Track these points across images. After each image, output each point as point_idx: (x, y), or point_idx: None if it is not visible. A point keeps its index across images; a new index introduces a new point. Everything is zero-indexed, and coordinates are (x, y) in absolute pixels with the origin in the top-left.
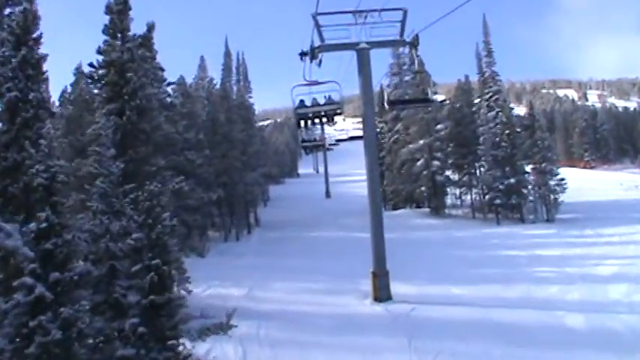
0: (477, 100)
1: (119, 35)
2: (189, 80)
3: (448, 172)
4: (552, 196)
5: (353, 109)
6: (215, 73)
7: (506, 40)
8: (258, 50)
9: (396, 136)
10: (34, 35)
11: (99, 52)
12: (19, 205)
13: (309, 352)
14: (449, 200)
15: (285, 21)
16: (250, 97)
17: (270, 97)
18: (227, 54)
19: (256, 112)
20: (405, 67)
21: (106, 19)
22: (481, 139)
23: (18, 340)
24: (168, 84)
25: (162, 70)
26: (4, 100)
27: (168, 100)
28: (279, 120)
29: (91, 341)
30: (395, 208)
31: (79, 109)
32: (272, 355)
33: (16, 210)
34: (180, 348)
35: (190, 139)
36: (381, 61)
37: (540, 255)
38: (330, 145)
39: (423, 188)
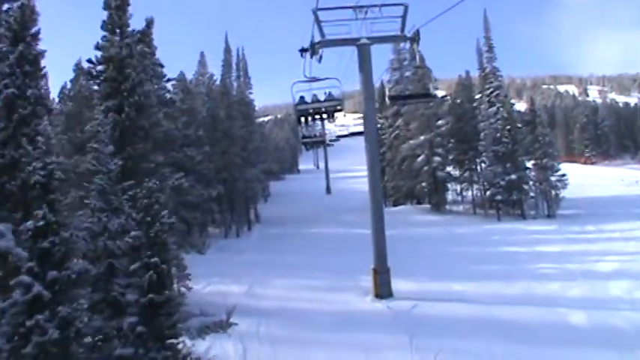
0: (477, 96)
1: (118, 31)
2: (189, 76)
3: (449, 168)
4: (553, 192)
5: (353, 104)
6: (215, 69)
7: (507, 36)
8: (258, 46)
9: (396, 132)
10: (32, 31)
11: (97, 48)
12: (16, 203)
13: (309, 349)
14: (450, 196)
15: (286, 16)
16: (250, 93)
17: (271, 93)
18: (227, 50)
19: (256, 108)
20: (405, 63)
21: (105, 14)
22: (482, 134)
23: (15, 339)
24: (168, 80)
25: (162, 66)
26: (1, 96)
27: (168, 96)
28: (279, 116)
29: (89, 340)
30: (395, 204)
31: (78, 106)
32: (272, 353)
33: (14, 208)
34: (180, 346)
35: (190, 136)
36: (381, 57)
37: (541, 251)
38: (330, 140)
39: (423, 184)
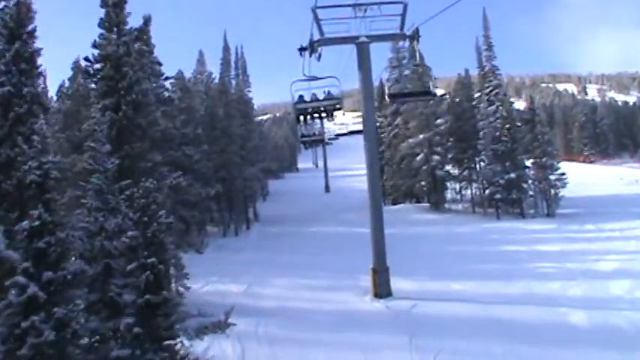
0: (476, 95)
1: (115, 29)
2: (187, 75)
3: (448, 167)
4: (552, 191)
5: (352, 103)
6: (214, 68)
7: (506, 34)
8: (257, 44)
9: (395, 131)
10: (28, 29)
11: (94, 45)
12: (12, 203)
13: (308, 349)
14: (449, 195)
15: (284, 15)
16: (249, 92)
17: (269, 92)
18: (226, 48)
19: (255, 107)
20: (404, 61)
21: (102, 12)
22: (481, 133)
23: (10, 341)
24: (166, 78)
25: (160, 64)
26: None
27: (166, 94)
28: (278, 114)
29: (85, 341)
30: (394, 203)
31: (76, 104)
32: (271, 353)
33: (10, 207)
34: (178, 346)
35: (188, 134)
36: (380, 55)
37: (541, 250)
38: (329, 139)
39: (422, 183)
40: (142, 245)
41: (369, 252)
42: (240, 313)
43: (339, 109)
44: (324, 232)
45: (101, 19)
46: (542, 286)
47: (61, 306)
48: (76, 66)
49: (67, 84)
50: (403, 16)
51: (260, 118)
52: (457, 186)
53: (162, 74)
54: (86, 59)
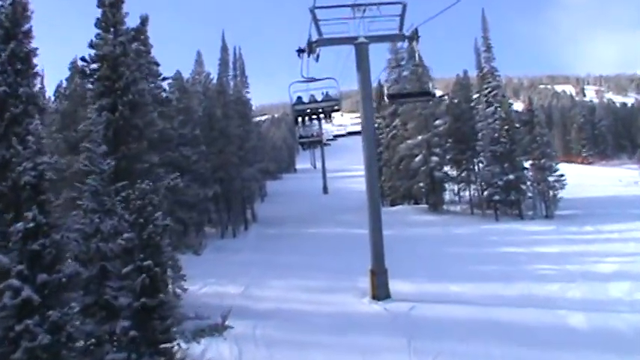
0: (475, 96)
1: (112, 29)
2: (186, 75)
3: (446, 168)
4: (551, 192)
5: (351, 104)
6: (212, 68)
7: (504, 35)
8: (255, 45)
9: (394, 132)
10: (24, 28)
11: (91, 45)
12: (7, 204)
13: (306, 352)
14: (447, 196)
15: (283, 15)
16: (247, 92)
17: (268, 93)
18: (224, 49)
19: (253, 108)
20: (403, 62)
21: (99, 12)
22: (480, 134)
23: (4, 344)
24: (164, 79)
25: (157, 64)
26: None
27: (164, 95)
28: (276, 115)
29: (80, 344)
30: (393, 204)
31: (74, 104)
32: (268, 356)
33: (5, 208)
34: (175, 349)
35: (186, 135)
36: (378, 56)
37: (540, 252)
38: (327, 140)
39: (421, 184)
40: (137, 247)
41: (368, 253)
42: (237, 315)
43: (338, 110)
44: (322, 234)
45: (98, 19)
46: (541, 287)
47: (56, 309)
48: (73, 66)
49: (64, 84)
50: (402, 16)
51: (258, 118)
52: (455, 187)
53: (160, 74)
54: (82, 59)
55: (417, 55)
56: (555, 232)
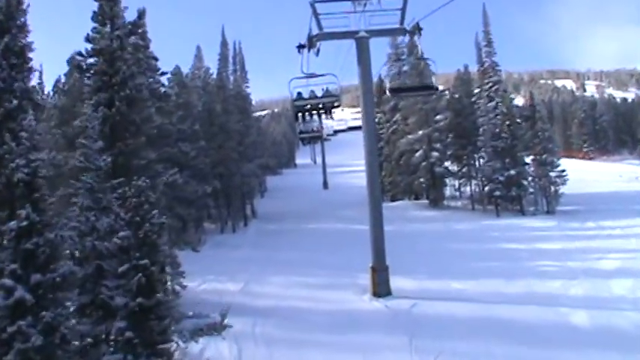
0: (476, 91)
1: (108, 22)
2: (185, 70)
3: (447, 164)
4: (553, 188)
5: (351, 99)
6: (211, 63)
7: (504, 30)
8: (255, 40)
9: (394, 127)
10: (19, 22)
11: (87, 39)
12: (1, 202)
13: (306, 350)
14: (448, 192)
15: (283, 10)
16: (247, 87)
17: (268, 87)
18: (224, 43)
19: (253, 103)
20: (403, 57)
21: (96, 5)
22: (481, 130)
23: None
24: (162, 73)
25: (156, 59)
26: None
27: (163, 90)
28: (276, 110)
29: (75, 345)
30: (393, 199)
31: (72, 100)
32: (267, 354)
33: (0, 206)
34: (173, 348)
35: (185, 130)
36: (378, 51)
37: (541, 248)
38: (327, 135)
39: (421, 179)
40: (133, 246)
41: (368, 249)
42: (236, 312)
43: (338, 106)
44: (322, 229)
45: (94, 12)
46: (543, 284)
47: (50, 309)
48: (71, 61)
49: (63, 79)
50: (403, 10)
51: (258, 113)
52: (456, 183)
53: (159, 69)
54: (79, 54)
55: (419, 48)
56: (557, 228)
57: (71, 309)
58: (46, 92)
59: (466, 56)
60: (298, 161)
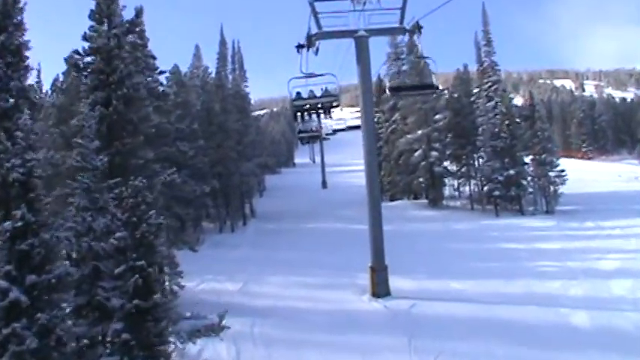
0: (475, 90)
1: (105, 21)
2: (184, 69)
3: (446, 163)
4: (552, 188)
5: (350, 98)
6: (210, 62)
7: (503, 30)
8: (254, 39)
9: (393, 126)
10: (15, 20)
11: (84, 38)
12: None
13: (304, 351)
14: (447, 191)
15: (282, 8)
16: (246, 87)
17: (267, 87)
18: (222, 42)
19: (252, 102)
20: (403, 56)
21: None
22: (480, 129)
23: None
24: (161, 72)
25: (154, 58)
26: None
27: (161, 89)
28: (275, 109)
29: (71, 347)
30: (392, 199)
31: (70, 98)
32: (266, 355)
33: None
34: (171, 350)
35: (184, 129)
36: (378, 50)
37: (541, 248)
38: (326, 134)
39: (420, 179)
40: (130, 247)
41: (367, 249)
42: (235, 312)
43: (337, 106)
44: (321, 229)
45: (91, 10)
46: (543, 285)
47: (46, 311)
48: (68, 60)
49: (61, 78)
50: (403, 9)
51: (257, 113)
52: (455, 182)
53: (157, 68)
54: (76, 52)
55: (419, 47)
56: (556, 227)
57: (67, 310)
58: (44, 91)
59: (465, 56)
60: (297, 160)
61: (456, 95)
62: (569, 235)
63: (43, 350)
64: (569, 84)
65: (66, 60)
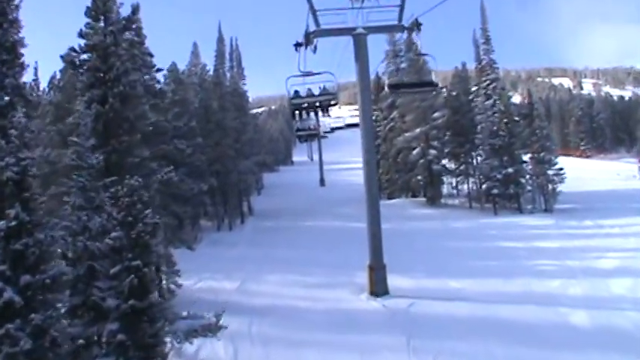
0: (474, 88)
1: (102, 18)
2: (181, 67)
3: (445, 161)
4: (550, 186)
5: (349, 96)
6: (208, 60)
7: (502, 27)
8: (252, 36)
9: (391, 124)
10: (10, 17)
11: (80, 35)
12: None
13: (302, 350)
14: (445, 189)
15: (280, 6)
16: (244, 84)
17: (265, 84)
18: (220, 40)
19: (250, 100)
20: (401, 54)
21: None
22: (478, 127)
23: None
24: (158, 70)
25: (151, 55)
26: None
27: (158, 87)
28: (273, 107)
29: (67, 346)
30: (390, 197)
31: (67, 96)
32: (264, 354)
33: None
34: (168, 349)
35: (181, 127)
36: (375, 48)
37: (540, 247)
38: (325, 132)
39: (419, 177)
40: (126, 247)
41: (365, 247)
42: (232, 311)
43: (335, 104)
44: (319, 227)
45: (88, 7)
46: (542, 284)
47: (40, 311)
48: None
49: (58, 75)
50: (401, 7)
51: (255, 110)
52: (454, 180)
53: (154, 66)
54: (72, 49)
55: (418, 45)
56: (555, 226)
57: (62, 311)
58: (41, 88)
59: (464, 54)
60: (295, 158)
61: (454, 93)
62: (568, 233)
63: (37, 351)
64: (567, 82)
65: (62, 57)
